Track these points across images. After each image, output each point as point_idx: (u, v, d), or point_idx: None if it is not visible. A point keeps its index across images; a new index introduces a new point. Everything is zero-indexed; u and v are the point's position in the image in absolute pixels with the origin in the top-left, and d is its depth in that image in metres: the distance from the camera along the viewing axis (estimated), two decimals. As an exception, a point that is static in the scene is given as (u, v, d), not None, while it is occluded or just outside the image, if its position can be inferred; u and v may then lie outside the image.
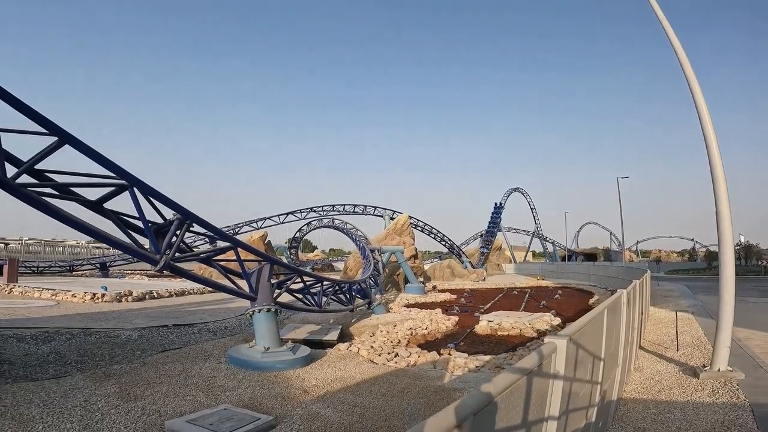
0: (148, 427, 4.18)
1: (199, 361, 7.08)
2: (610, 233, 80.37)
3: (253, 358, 6.90)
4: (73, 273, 27.04)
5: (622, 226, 32.31)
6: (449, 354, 8.60)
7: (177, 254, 6.42)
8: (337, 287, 11.51)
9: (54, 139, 5.09)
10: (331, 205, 40.40)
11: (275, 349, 7.22)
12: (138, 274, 28.71)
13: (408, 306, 17.17)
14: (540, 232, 66.24)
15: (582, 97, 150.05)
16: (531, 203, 64.97)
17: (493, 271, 49.89)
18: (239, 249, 7.59)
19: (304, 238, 46.42)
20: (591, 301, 19.33)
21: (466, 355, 8.45)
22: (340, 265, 50.39)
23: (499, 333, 11.70)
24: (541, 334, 11.35)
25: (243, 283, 7.90)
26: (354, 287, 12.85)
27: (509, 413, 1.63)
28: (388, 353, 8.23)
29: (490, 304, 18.22)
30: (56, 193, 5.32)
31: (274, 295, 8.04)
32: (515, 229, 67.95)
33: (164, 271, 6.29)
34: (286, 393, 5.65)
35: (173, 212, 6.41)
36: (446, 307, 16.80)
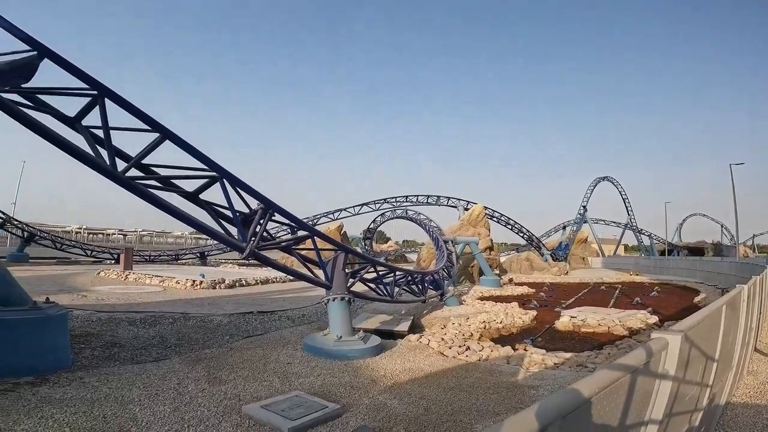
0: (228, 410, 4.46)
1: (277, 348, 7.45)
2: (722, 226, 70.57)
3: (325, 346, 7.11)
4: (178, 261, 30.37)
5: (736, 217, 28.21)
6: (525, 350, 8.21)
7: (261, 242, 6.91)
8: (409, 278, 11.56)
9: (157, 135, 5.77)
10: (404, 197, 40.65)
11: (347, 338, 7.37)
12: (230, 263, 31.48)
13: (482, 299, 16.72)
14: (633, 223, 60.30)
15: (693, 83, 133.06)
16: (623, 193, 59.32)
17: (578, 265, 46.73)
18: (316, 238, 7.93)
19: (378, 229, 47.28)
20: (696, 299, 17.21)
21: (544, 351, 8.02)
22: (413, 257, 50.60)
23: (583, 330, 10.91)
24: (634, 332, 10.38)
25: (320, 273, 8.19)
26: (427, 278, 12.80)
27: (605, 416, 1.47)
28: (459, 346, 8.07)
29: (573, 299, 17.07)
30: (159, 185, 6.03)
31: (348, 284, 8.22)
32: (603, 220, 62.72)
33: (249, 259, 6.79)
34: (354, 382, 5.74)
35: (257, 202, 6.90)
36: (523, 301, 16.06)
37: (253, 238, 6.66)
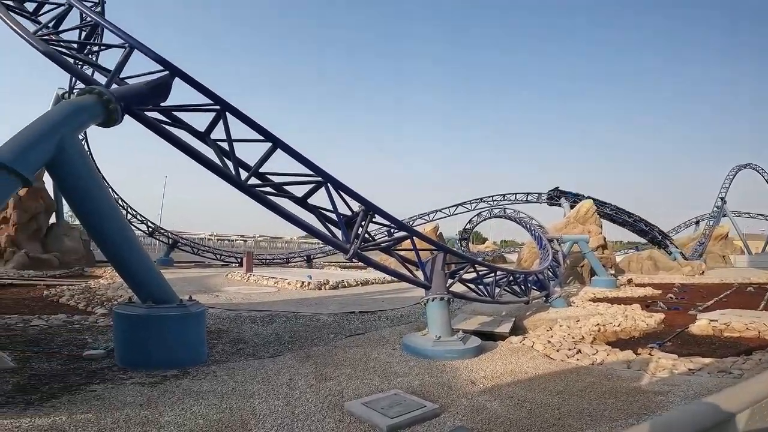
0: (332, 406, 4.69)
1: (377, 347, 7.66)
2: None
3: (424, 347, 7.13)
4: (288, 264, 33.18)
5: None
6: (650, 354, 7.31)
7: (363, 244, 7.26)
8: (511, 278, 11.08)
9: (269, 144, 6.45)
10: (501, 195, 39.05)
11: (446, 339, 7.33)
12: (333, 265, 33.48)
13: (594, 300, 15.28)
14: (788, 214, 49.79)
15: None
16: (772, 179, 49.45)
17: (716, 264, 40.07)
18: (415, 238, 8.07)
19: (475, 229, 46.12)
20: None
21: (675, 356, 7.05)
22: (512, 257, 48.26)
23: (725, 334, 9.35)
24: (795, 340, 8.59)
25: (420, 273, 8.29)
26: (530, 278, 12.13)
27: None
28: (569, 349, 7.50)
29: (712, 302, 14.72)
30: (274, 191, 6.73)
31: (447, 284, 8.19)
32: (749, 213, 52.92)
33: (353, 259, 7.18)
34: (453, 383, 5.69)
35: (359, 204, 7.28)
36: (647, 303, 14.28)
37: (355, 240, 7.04)
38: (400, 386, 5.44)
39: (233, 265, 29.42)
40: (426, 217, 37.95)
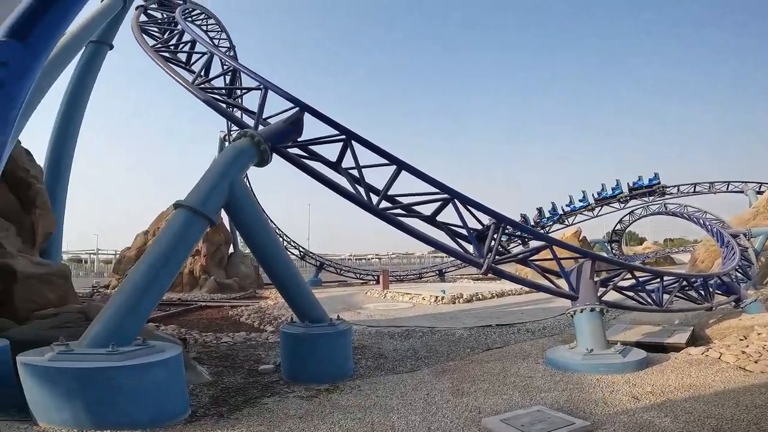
0: (468, 423, 4.53)
1: (517, 361, 7.25)
2: None
3: (572, 360, 6.56)
4: (421, 279, 33.76)
5: None
6: None
7: (497, 257, 6.99)
8: (684, 282, 9.33)
9: (394, 167, 6.74)
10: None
11: (599, 352, 6.64)
12: (465, 278, 32.89)
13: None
14: None
15: None
16: None
17: None
18: (554, 247, 7.45)
19: (627, 229, 40.36)
20: None
21: None
22: (682, 257, 40.82)
23: None
24: None
25: (561, 282, 7.63)
26: (711, 281, 10.03)
27: None
28: None
29: None
30: (404, 212, 6.99)
31: (599, 293, 7.35)
32: None
33: (487, 273, 6.96)
34: (609, 398, 5.13)
35: (489, 218, 7.07)
36: None
37: (489, 253, 6.82)
38: (544, 402, 5.09)
39: (371, 282, 31.19)
40: (565, 222, 34.68)
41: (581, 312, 7.04)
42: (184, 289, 24.78)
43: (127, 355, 4.42)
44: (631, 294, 8.74)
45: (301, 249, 33.96)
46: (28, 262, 7.36)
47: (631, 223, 37.55)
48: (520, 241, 8.08)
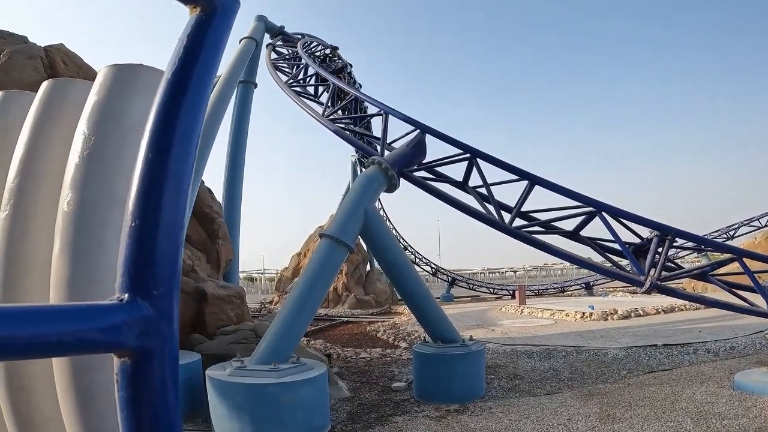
0: None
1: (692, 385, 6.26)
2: None
3: None
4: (564, 293, 30.77)
5: None
6: None
7: (663, 273, 5.88)
8: None
9: (525, 182, 6.26)
10: None
11: None
12: (620, 291, 28.79)
13: None
14: None
15: None
16: None
17: None
18: (745, 259, 5.95)
19: None
20: None
21: None
22: None
23: None
24: None
25: (755, 298, 6.08)
26: None
27: None
28: None
29: None
30: (541, 229, 6.41)
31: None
32: None
33: (651, 293, 5.92)
34: None
35: (649, 230, 6.03)
36: None
37: (652, 270, 5.78)
38: (727, 429, 4.39)
39: (506, 297, 29.63)
40: (755, 223, 27.80)
41: None
42: (329, 305, 27.18)
43: (284, 372, 4.94)
44: None
45: (432, 265, 34.26)
46: (215, 285, 8.91)
47: None
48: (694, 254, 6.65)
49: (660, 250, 5.84)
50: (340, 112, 9.69)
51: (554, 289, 31.85)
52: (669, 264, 6.12)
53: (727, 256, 6.10)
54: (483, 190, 6.73)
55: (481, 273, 53.30)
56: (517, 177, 6.42)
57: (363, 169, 7.59)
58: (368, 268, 31.15)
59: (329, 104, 9.35)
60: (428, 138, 7.31)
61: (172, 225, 0.85)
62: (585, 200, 6.00)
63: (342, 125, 9.02)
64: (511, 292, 29.60)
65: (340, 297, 27.94)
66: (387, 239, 7.07)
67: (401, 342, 12.60)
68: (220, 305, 8.48)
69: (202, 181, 10.01)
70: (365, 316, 21.37)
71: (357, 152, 27.72)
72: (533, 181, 6.26)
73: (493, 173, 6.69)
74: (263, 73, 12.66)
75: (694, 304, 15.97)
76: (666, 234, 5.86)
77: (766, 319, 6.24)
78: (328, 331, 16.39)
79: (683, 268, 6.61)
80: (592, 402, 5.82)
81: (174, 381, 0.83)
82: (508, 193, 6.86)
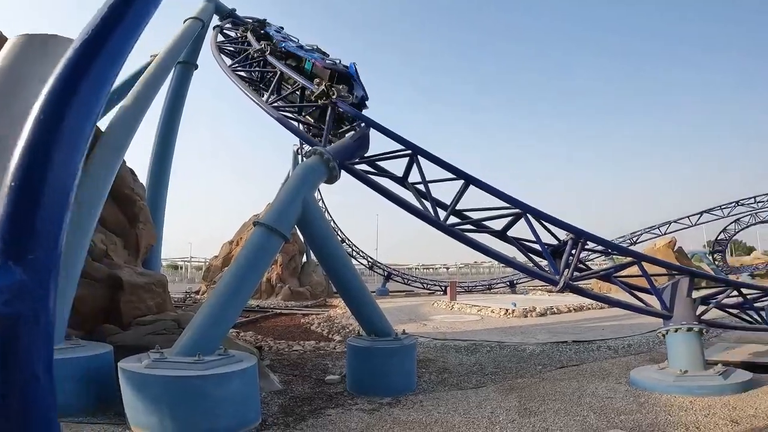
0: None
1: (595, 380, 6.81)
2: None
3: (662, 382, 6.05)
4: (490, 290, 32.64)
5: None
6: None
7: (575, 273, 6.50)
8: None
9: (462, 182, 6.57)
10: (768, 193, 29.23)
11: (696, 373, 6.08)
12: (540, 290, 31.12)
13: None
14: None
15: None
16: None
17: None
18: (644, 263, 6.75)
19: (733, 238, 35.61)
20: None
21: None
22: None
23: None
24: None
25: (651, 299, 6.93)
26: None
27: None
28: None
29: None
30: (473, 227, 6.77)
31: (698, 311, 6.58)
32: None
33: (564, 291, 6.49)
34: (701, 422, 4.71)
35: (566, 233, 6.60)
36: None
37: (566, 270, 6.36)
38: (623, 425, 4.73)
39: (438, 293, 30.78)
40: (656, 231, 31.47)
41: (675, 331, 6.46)
42: (262, 296, 26.39)
43: (210, 364, 4.74)
44: (735, 312, 7.67)
45: (369, 259, 34.58)
46: (133, 272, 8.26)
47: (737, 231, 33.13)
48: (602, 257, 7.46)
49: (573, 252, 6.45)
50: (283, 100, 9.39)
51: (482, 286, 33.63)
52: (580, 265, 6.77)
53: (629, 259, 6.89)
54: (421, 187, 6.94)
55: (416, 268, 54.82)
56: (454, 176, 6.71)
57: (304, 159, 7.47)
58: (304, 259, 30.69)
59: (274, 91, 9.08)
60: (373, 133, 7.39)
61: (57, 190, 0.80)
62: (513, 202, 6.44)
63: (287, 113, 8.78)
64: (443, 288, 30.77)
65: (273, 288, 27.25)
66: (325, 231, 7.03)
67: (335, 335, 12.60)
68: (138, 293, 7.90)
69: (124, 161, 9.20)
70: (299, 309, 21.05)
71: (300, 142, 27.15)
72: (468, 180, 6.58)
73: (432, 171, 6.95)
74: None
75: (599, 303, 17.79)
76: (579, 237, 6.48)
77: (659, 319, 6.88)
78: (260, 323, 15.94)
79: (592, 269, 7.33)
80: (512, 396, 6.15)
81: (47, 348, 0.79)
82: (448, 192, 7.15)
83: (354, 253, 33.63)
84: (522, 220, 6.48)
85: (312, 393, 6.66)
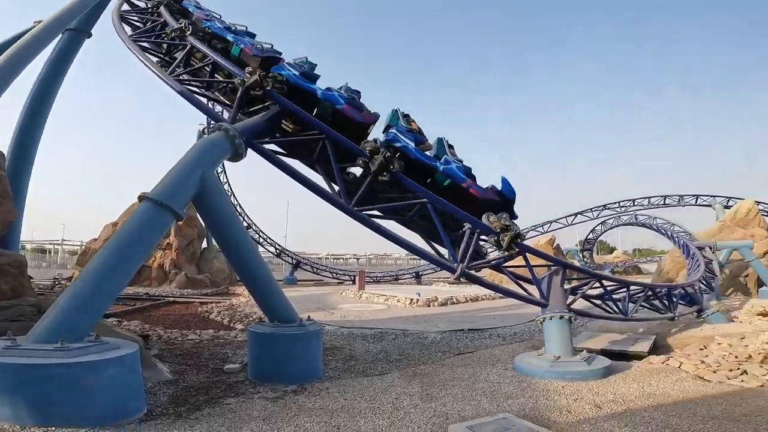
0: (435, 429, 4.49)
1: (487, 366, 7.31)
2: None
3: (539, 367, 6.67)
4: (397, 281, 33.79)
5: None
6: None
7: (471, 262, 6.99)
8: (649, 292, 9.59)
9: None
10: (631, 200, 34.58)
11: (566, 359, 6.77)
12: (442, 281, 33.11)
13: (764, 314, 12.34)
14: None
15: None
16: None
17: None
18: (528, 254, 7.50)
19: (599, 238, 41.53)
20: None
21: None
22: (650, 267, 42.23)
23: None
24: None
25: (533, 289, 7.73)
26: (675, 292, 10.37)
27: None
28: (730, 370, 6.38)
29: None
30: (380, 214, 6.90)
31: (568, 301, 7.48)
32: None
33: (460, 279, 6.94)
34: (572, 406, 5.21)
35: (465, 223, 7.04)
36: None
37: (463, 259, 6.80)
38: (510, 409, 5.10)
39: (347, 282, 31.01)
40: (539, 229, 35.37)
41: (550, 319, 7.13)
42: (152, 284, 24.03)
43: (76, 351, 4.19)
44: (598, 302, 8.95)
45: (277, 246, 33.45)
46: (-20, 251, 6.92)
47: (603, 232, 38.62)
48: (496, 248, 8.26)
49: (470, 242, 6.94)
50: (196, 75, 8.59)
51: (390, 276, 34.60)
52: (476, 255, 7.33)
53: (516, 250, 7.59)
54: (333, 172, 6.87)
55: (326, 258, 54.52)
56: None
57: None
58: (204, 245, 28.63)
59: (181, 64, 8.29)
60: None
61: None
62: (419, 190, 6.69)
63: (195, 87, 8.03)
64: (352, 277, 31.05)
65: (167, 275, 25.00)
66: (226, 213, 6.59)
67: (237, 324, 11.99)
68: (-11, 275, 6.68)
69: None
70: (197, 297, 19.61)
71: (207, 122, 24.97)
72: (379, 166, 6.67)
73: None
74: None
75: (491, 294, 19.56)
76: (475, 228, 7.00)
77: (540, 308, 7.50)
78: (149, 312, 14.49)
79: (485, 258, 7.97)
80: (415, 382, 6.37)
81: None
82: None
83: (261, 240, 32.26)
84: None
85: (209, 382, 6.27)
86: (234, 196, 31.53)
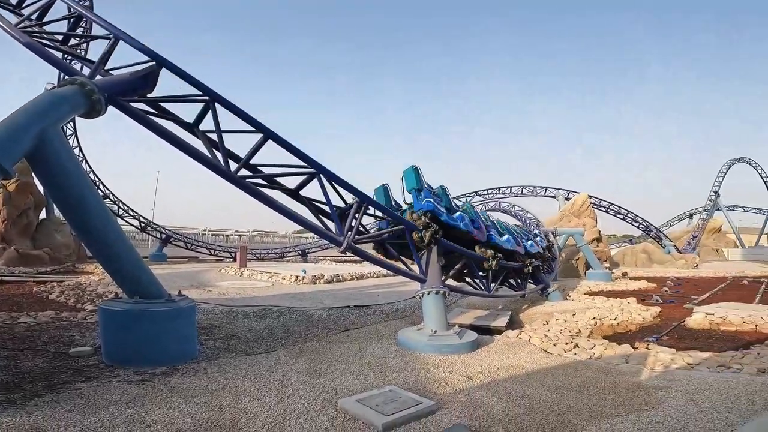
0: (325, 404, 4.55)
1: (372, 342, 7.56)
2: None
3: (419, 341, 7.06)
4: (283, 258, 32.97)
5: None
6: (647, 348, 7.26)
7: (357, 236, 7.11)
8: (507, 272, 11.04)
9: (260, 135, 6.26)
10: (496, 188, 39.18)
11: (442, 333, 7.26)
12: (328, 259, 33.35)
13: (590, 294, 15.30)
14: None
15: None
16: (763, 175, 50.03)
17: (709, 257, 40.59)
18: (411, 231, 7.92)
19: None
20: None
21: (673, 350, 7.00)
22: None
23: (722, 328, 9.35)
24: (793, 333, 8.62)
25: (416, 267, 8.15)
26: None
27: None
28: (566, 343, 7.46)
29: (707, 295, 14.81)
30: (266, 183, 6.55)
31: (443, 278, 8.10)
32: (742, 207, 53.67)
33: (346, 252, 7.02)
34: (449, 378, 5.61)
35: (353, 197, 7.10)
36: (642, 297, 14.32)
37: (349, 232, 6.88)
38: (396, 382, 5.33)
39: (227, 260, 29.17)
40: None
41: (428, 294, 7.59)
42: (-32, 260, 19.33)
43: None
44: (468, 280, 9.97)
45: (142, 219, 29.67)
46: None
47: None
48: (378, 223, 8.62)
49: (357, 215, 7.06)
50: (50, 29, 7.03)
51: (275, 254, 33.56)
52: (361, 229, 7.49)
53: (400, 227, 7.99)
54: (214, 136, 6.27)
55: (203, 234, 50.29)
56: (252, 129, 6.30)
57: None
58: (43, 215, 24.03)
59: (35, 17, 6.76)
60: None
61: None
62: (309, 161, 6.50)
63: (44, 41, 6.54)
64: (232, 254, 29.31)
65: (-9, 250, 20.42)
66: (73, 176, 5.45)
67: (87, 305, 10.34)
68: None
69: None
70: (33, 275, 16.40)
71: (59, 80, 20.42)
72: (267, 135, 6.27)
73: (229, 123, 6.33)
74: None
75: (376, 272, 20.37)
76: (363, 202, 7.13)
77: (419, 284, 7.91)
78: (-39, 294, 11.65)
79: (370, 233, 8.21)
80: (303, 359, 6.26)
81: None
82: (244, 146, 6.64)
83: (122, 212, 28.28)
84: (316, 181, 6.65)
85: (49, 368, 5.39)
86: (87, 162, 26.89)
